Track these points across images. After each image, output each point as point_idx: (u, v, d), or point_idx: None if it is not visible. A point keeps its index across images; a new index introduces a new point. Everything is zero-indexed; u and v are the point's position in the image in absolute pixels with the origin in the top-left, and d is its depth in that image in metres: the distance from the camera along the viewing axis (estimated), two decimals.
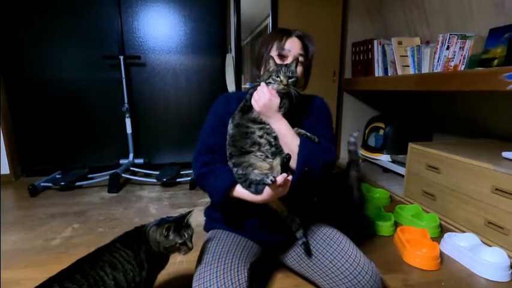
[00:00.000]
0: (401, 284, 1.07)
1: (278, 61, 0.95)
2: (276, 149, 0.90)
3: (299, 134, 0.91)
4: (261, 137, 0.90)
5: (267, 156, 0.89)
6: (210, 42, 2.56)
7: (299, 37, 1.00)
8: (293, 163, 0.88)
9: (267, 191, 0.81)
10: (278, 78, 0.88)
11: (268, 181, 0.77)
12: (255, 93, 0.90)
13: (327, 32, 2.57)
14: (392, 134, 2.37)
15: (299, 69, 0.98)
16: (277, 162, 0.87)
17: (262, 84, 0.90)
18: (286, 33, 0.99)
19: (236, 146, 0.90)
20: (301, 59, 0.98)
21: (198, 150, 0.98)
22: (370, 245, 1.31)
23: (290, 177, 0.80)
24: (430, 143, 1.90)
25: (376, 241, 1.38)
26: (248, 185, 0.85)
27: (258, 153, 0.89)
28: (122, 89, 2.34)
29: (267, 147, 0.90)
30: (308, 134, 0.92)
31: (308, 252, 0.95)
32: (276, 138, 0.91)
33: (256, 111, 0.90)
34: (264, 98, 0.87)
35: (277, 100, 0.88)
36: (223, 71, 2.52)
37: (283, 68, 0.89)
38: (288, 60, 0.96)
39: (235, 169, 0.89)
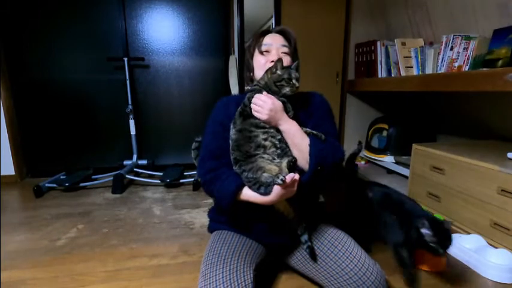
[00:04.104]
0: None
1: (263, 60, 0.99)
2: (282, 151, 0.90)
3: (306, 133, 0.92)
4: (265, 139, 0.90)
5: (273, 158, 0.89)
6: (213, 44, 2.57)
7: (278, 32, 1.04)
8: (305, 163, 0.88)
9: (276, 191, 0.82)
10: (291, 82, 0.91)
11: (279, 181, 0.78)
12: (253, 106, 0.90)
13: (330, 33, 2.57)
14: (396, 135, 2.36)
15: (287, 59, 1.01)
16: (285, 164, 0.87)
17: (257, 94, 0.91)
18: (265, 33, 1.03)
19: (241, 151, 0.90)
20: (285, 49, 1.01)
21: (202, 157, 0.99)
22: (374, 246, 1.31)
23: (297, 177, 0.80)
24: (434, 144, 1.89)
25: (380, 242, 1.37)
26: (258, 187, 0.85)
27: (265, 156, 0.89)
28: (125, 91, 2.35)
29: (273, 149, 0.90)
30: (314, 132, 0.93)
31: (313, 257, 0.95)
32: (280, 140, 0.91)
33: (262, 120, 0.90)
34: (267, 104, 0.88)
35: (279, 102, 0.90)
36: (226, 73, 2.53)
37: (292, 73, 0.92)
38: (272, 54, 0.99)
39: (244, 174, 0.88)
